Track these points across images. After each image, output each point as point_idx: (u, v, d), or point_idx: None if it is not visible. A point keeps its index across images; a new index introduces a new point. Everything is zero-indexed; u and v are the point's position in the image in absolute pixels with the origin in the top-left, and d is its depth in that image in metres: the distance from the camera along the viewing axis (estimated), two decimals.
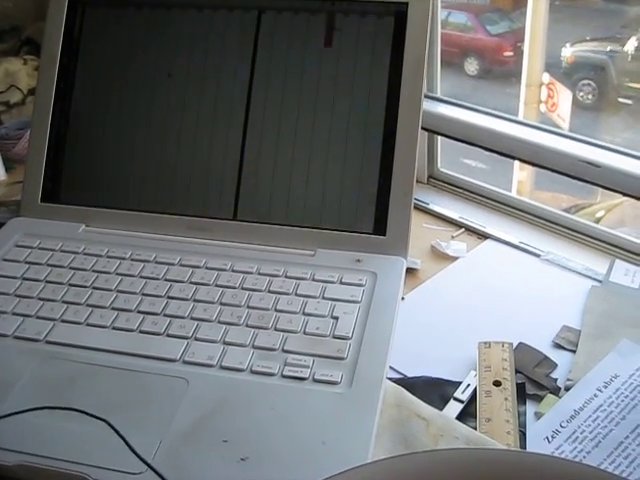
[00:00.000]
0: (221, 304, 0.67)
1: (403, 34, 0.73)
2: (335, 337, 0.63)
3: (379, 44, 0.74)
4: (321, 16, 0.76)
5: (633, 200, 0.86)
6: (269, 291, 0.68)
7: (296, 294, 0.67)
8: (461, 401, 0.66)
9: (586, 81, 3.46)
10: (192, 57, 0.78)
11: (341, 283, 0.68)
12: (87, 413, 0.55)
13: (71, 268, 0.72)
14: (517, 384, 0.67)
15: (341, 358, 0.61)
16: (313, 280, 0.69)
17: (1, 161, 1.06)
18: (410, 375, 0.69)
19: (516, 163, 2.45)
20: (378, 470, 0.47)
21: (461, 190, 1.04)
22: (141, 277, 0.70)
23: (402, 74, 0.73)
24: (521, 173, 2.56)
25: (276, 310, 0.66)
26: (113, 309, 0.67)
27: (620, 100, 3.44)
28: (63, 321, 0.66)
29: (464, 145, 0.99)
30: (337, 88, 0.75)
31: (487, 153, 0.98)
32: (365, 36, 0.75)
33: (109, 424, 0.55)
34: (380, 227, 0.72)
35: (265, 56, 0.76)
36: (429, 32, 0.73)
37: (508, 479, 0.47)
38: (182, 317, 0.66)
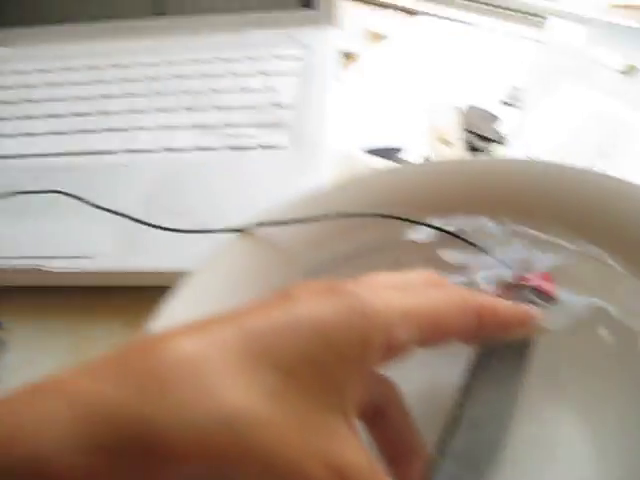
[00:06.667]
0: (156, 94, 0.65)
1: None
2: (275, 106, 0.62)
3: None
4: None
5: None
6: (203, 75, 0.67)
7: (231, 74, 0.66)
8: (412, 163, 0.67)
9: None
10: None
11: (275, 58, 0.67)
12: (36, 191, 0.55)
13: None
14: (466, 141, 0.68)
15: (284, 124, 0.61)
16: (247, 59, 0.67)
17: None
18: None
19: None
20: (326, 194, 0.47)
21: None
22: (72, 84, 0.68)
23: None
24: None
25: (213, 91, 0.65)
26: (48, 117, 0.65)
27: None
28: None
29: None
30: None
31: None
32: None
33: (62, 192, 0.54)
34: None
35: None
36: None
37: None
38: (118, 112, 0.64)
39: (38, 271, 0.53)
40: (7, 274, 0.53)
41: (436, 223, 0.45)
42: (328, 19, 0.70)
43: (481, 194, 0.46)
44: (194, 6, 0.72)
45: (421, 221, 0.45)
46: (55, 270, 0.52)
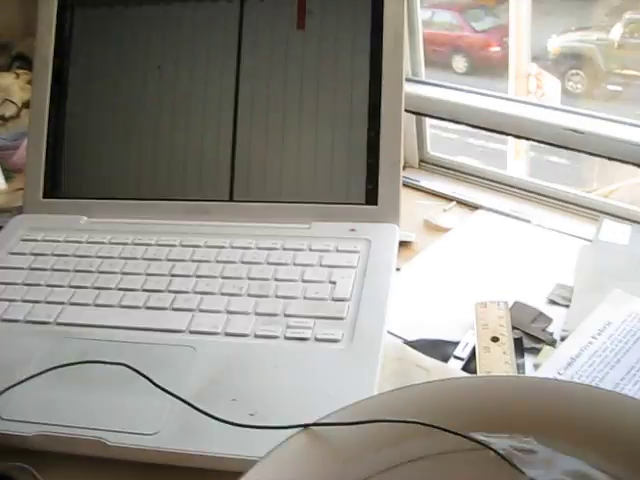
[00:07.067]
0: (222, 278, 0.69)
1: (381, 12, 0.76)
2: (334, 299, 0.65)
3: (359, 23, 0.77)
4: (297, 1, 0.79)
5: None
6: (268, 263, 0.70)
7: (294, 264, 0.70)
8: (461, 358, 0.68)
9: (575, 70, 3.48)
10: (180, 48, 0.81)
11: (337, 251, 0.71)
12: (104, 362, 0.59)
13: (76, 256, 0.75)
14: (514, 339, 0.70)
15: (341, 318, 0.63)
16: (310, 250, 0.71)
17: (0, 171, 1.09)
18: (410, 339, 0.71)
19: (509, 157, 2.48)
20: (380, 401, 0.49)
21: (452, 171, 1.06)
22: (144, 259, 0.73)
23: (382, 49, 0.76)
24: (515, 163, 2.58)
25: (276, 279, 0.68)
26: (119, 289, 0.69)
27: (610, 87, 3.45)
28: (72, 304, 0.69)
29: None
30: (321, 68, 0.78)
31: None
32: (344, 16, 0.78)
33: (128, 366, 0.57)
34: (372, 197, 0.74)
35: (250, 42, 0.79)
36: (406, 8, 0.76)
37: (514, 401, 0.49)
38: (186, 292, 0.68)
39: (98, 443, 0.55)
40: (68, 443, 0.56)
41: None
42: (390, 216, 0.74)
43: (524, 416, 0.48)
44: (265, 194, 0.77)
45: (465, 435, 0.47)
46: (115, 445, 0.55)
